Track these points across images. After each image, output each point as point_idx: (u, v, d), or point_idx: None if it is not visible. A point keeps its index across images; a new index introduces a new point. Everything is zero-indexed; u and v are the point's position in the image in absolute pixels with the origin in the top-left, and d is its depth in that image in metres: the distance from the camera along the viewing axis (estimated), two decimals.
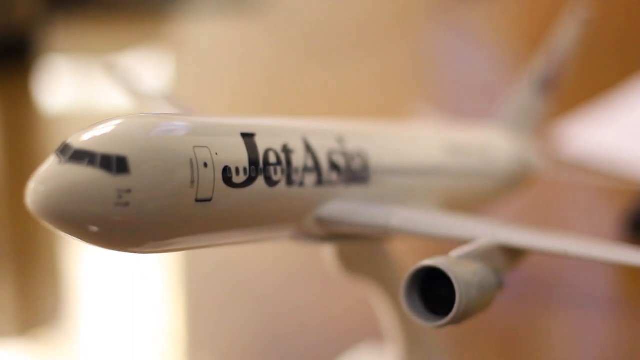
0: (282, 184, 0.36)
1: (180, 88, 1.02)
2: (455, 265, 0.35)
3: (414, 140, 0.45)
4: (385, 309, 0.45)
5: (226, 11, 1.24)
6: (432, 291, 0.35)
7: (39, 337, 0.55)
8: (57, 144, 0.33)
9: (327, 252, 0.44)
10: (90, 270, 0.63)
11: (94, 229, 0.32)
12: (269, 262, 0.63)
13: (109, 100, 0.92)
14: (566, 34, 0.55)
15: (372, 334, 0.49)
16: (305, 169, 0.37)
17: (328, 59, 1.11)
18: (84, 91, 0.99)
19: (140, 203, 0.32)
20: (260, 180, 0.36)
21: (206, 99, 0.97)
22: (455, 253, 0.36)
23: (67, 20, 1.14)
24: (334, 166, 0.39)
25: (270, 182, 0.36)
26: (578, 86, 0.94)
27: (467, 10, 1.29)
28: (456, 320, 0.34)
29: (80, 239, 0.32)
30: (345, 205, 0.39)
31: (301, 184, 0.37)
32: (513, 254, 0.38)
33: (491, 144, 0.52)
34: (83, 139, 0.33)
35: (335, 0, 1.36)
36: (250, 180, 0.35)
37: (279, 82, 1.04)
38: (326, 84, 1.03)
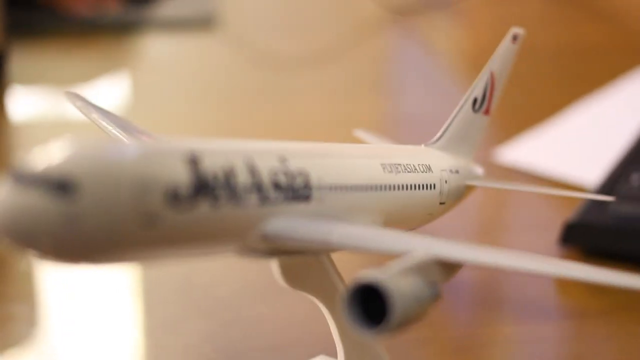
0: (227, 203, 0.38)
1: (138, 106, 1.02)
2: (391, 277, 0.37)
3: (355, 159, 0.47)
4: (329, 320, 0.47)
5: (182, 28, 1.26)
6: (373, 301, 0.37)
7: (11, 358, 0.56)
8: (14, 161, 0.35)
9: (273, 266, 0.46)
10: (59, 289, 0.63)
11: (48, 246, 0.34)
12: (222, 272, 0.64)
13: (68, 121, 0.93)
14: (503, 53, 0.58)
15: (327, 345, 0.50)
16: (249, 189, 0.39)
17: (282, 73, 1.13)
18: (46, 115, 1.00)
19: (89, 223, 0.34)
20: (205, 200, 0.37)
21: (163, 115, 0.98)
22: (392, 265, 0.38)
23: (28, 48, 1.15)
24: (276, 185, 0.40)
25: (215, 202, 0.38)
26: (519, 110, 0.97)
27: (415, 25, 1.32)
28: (391, 330, 0.36)
29: (36, 255, 0.35)
30: (288, 223, 0.41)
31: (245, 203, 0.39)
32: (448, 267, 0.41)
33: (431, 160, 0.54)
34: (34, 162, 0.35)
35: (291, 16, 1.38)
36: (195, 201, 0.37)
37: (234, 98, 1.06)
38: (280, 98, 1.05)
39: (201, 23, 1.27)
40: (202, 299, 0.62)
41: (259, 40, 1.24)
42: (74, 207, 0.34)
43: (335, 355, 0.48)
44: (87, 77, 1.09)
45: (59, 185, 0.34)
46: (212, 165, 0.38)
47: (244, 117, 1.00)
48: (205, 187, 0.37)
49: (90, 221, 0.34)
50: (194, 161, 0.37)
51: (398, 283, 0.37)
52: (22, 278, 0.65)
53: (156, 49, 1.23)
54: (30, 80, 1.07)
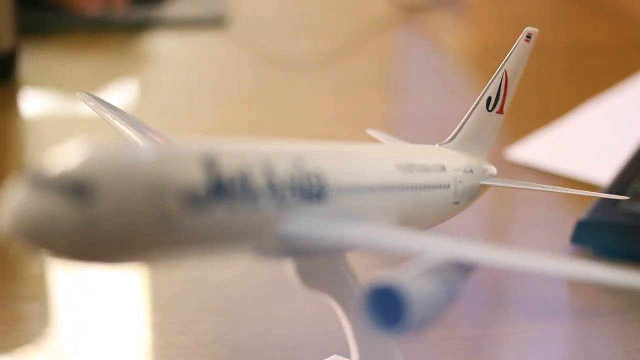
0: (244, 206, 0.38)
1: (148, 105, 1.03)
2: (408, 279, 0.37)
3: (370, 159, 0.47)
4: (344, 321, 0.47)
5: (192, 28, 1.26)
6: (390, 302, 0.37)
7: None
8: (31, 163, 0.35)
9: (288, 269, 0.46)
10: (71, 288, 0.63)
11: (64, 248, 0.34)
12: (235, 271, 0.64)
13: (80, 121, 0.93)
14: (517, 53, 0.58)
15: (340, 345, 0.50)
16: (266, 191, 0.39)
17: (293, 72, 1.13)
18: (58, 114, 1.01)
19: (106, 226, 0.34)
20: (222, 204, 0.37)
21: (174, 114, 0.98)
22: (409, 267, 0.38)
23: (38, 48, 1.15)
24: (293, 186, 0.40)
25: (232, 205, 0.38)
26: (531, 108, 0.97)
27: (424, 23, 1.32)
28: (408, 333, 0.36)
29: (51, 256, 0.35)
30: (304, 224, 0.41)
31: (262, 205, 0.39)
32: (465, 268, 0.40)
33: (446, 160, 0.54)
34: (50, 165, 0.35)
35: (301, 15, 1.38)
36: (212, 204, 0.37)
37: (245, 97, 1.06)
38: (291, 97, 1.05)
39: (211, 23, 1.27)
40: (215, 298, 0.62)
41: (269, 40, 1.24)
42: (90, 210, 0.34)
43: (349, 355, 0.48)
44: (98, 76, 1.09)
45: (76, 188, 0.34)
46: (228, 167, 0.38)
47: (254, 116, 1.00)
48: (222, 190, 0.37)
49: (107, 224, 0.34)
50: (210, 164, 0.37)
51: (416, 285, 0.36)
52: (34, 277, 0.65)
53: (166, 48, 1.23)
54: (41, 79, 1.08)
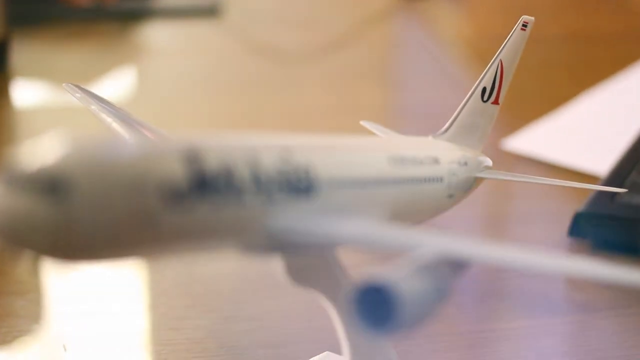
0: (229, 202, 0.37)
1: (140, 96, 1.02)
2: (400, 278, 0.36)
3: (361, 152, 0.46)
4: (334, 318, 0.46)
5: (186, 17, 1.25)
6: (380, 300, 0.36)
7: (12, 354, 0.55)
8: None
9: (277, 265, 0.44)
10: (60, 284, 0.62)
11: (43, 248, 0.33)
12: (226, 267, 0.64)
13: (71, 111, 0.92)
14: (512, 41, 0.57)
15: (332, 342, 0.49)
16: (252, 186, 0.38)
17: (288, 63, 1.12)
18: (49, 104, 1.00)
19: (84, 224, 0.33)
20: (205, 200, 0.36)
21: (166, 105, 0.98)
22: (401, 265, 0.37)
23: (29, 38, 1.15)
24: (280, 181, 0.39)
25: (216, 201, 0.37)
26: (529, 98, 0.96)
27: (421, 12, 1.31)
28: (399, 331, 0.35)
29: (33, 255, 0.34)
30: (293, 220, 0.40)
31: (248, 201, 0.38)
32: (458, 265, 0.39)
33: (439, 152, 0.53)
34: (26, 162, 0.34)
35: (296, 5, 1.37)
36: (195, 200, 0.36)
37: (239, 88, 1.05)
38: (286, 88, 1.04)
39: (205, 12, 1.26)
40: (206, 294, 0.61)
41: (264, 30, 1.23)
42: (67, 208, 0.33)
43: (340, 351, 0.47)
44: (90, 66, 1.08)
45: (51, 186, 0.33)
46: (212, 162, 0.37)
47: (248, 106, 0.99)
48: (205, 186, 0.36)
49: (85, 222, 0.33)
50: (193, 159, 0.36)
51: (406, 284, 0.35)
52: (22, 273, 0.64)
53: (159, 38, 1.22)
54: (32, 70, 1.07)
